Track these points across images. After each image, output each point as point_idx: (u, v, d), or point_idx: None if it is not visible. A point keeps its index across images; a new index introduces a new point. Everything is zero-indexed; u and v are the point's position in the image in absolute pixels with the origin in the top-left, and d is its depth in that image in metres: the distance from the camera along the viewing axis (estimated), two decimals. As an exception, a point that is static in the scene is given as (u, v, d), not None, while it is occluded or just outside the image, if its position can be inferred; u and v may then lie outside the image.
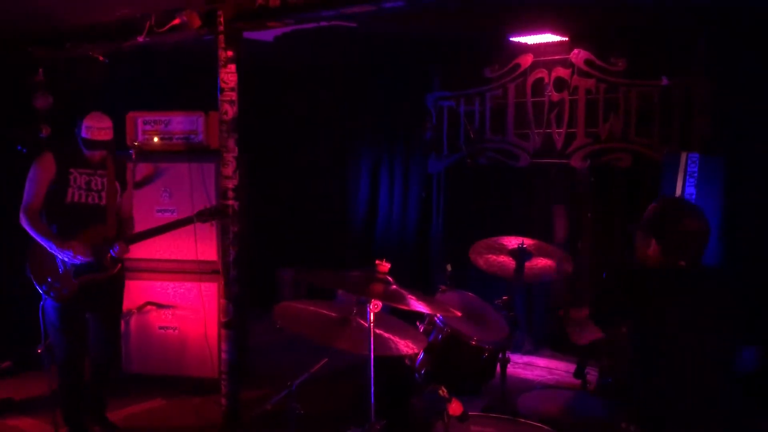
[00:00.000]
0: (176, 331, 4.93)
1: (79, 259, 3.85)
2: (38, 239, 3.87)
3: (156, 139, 4.96)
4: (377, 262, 2.68)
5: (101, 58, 5.13)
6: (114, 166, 4.08)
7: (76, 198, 3.94)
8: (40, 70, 5.31)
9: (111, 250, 3.95)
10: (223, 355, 4.43)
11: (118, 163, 4.12)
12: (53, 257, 3.89)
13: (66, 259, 3.86)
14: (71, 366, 4.01)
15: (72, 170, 3.95)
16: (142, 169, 4.86)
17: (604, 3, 4.44)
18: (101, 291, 4.02)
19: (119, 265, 4.08)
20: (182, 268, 4.89)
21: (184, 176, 4.87)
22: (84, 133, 3.90)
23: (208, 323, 4.82)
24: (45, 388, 4.95)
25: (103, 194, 4.01)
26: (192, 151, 4.91)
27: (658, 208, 2.76)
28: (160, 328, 4.97)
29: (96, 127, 3.90)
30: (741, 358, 2.67)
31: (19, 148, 5.26)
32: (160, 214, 4.90)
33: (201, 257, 4.79)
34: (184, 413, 4.34)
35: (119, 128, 4.87)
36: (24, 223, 3.88)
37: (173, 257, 4.85)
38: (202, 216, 4.17)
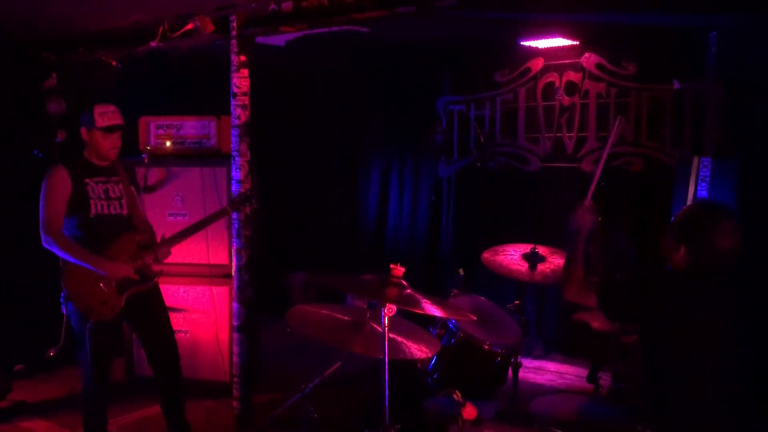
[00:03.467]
0: (188, 334, 4.94)
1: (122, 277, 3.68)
2: (71, 260, 3.62)
3: (168, 144, 4.98)
4: (392, 266, 2.65)
5: (114, 63, 5.16)
6: (125, 171, 3.94)
7: (99, 209, 3.76)
8: (54, 75, 5.35)
9: (150, 257, 3.82)
10: (235, 359, 4.46)
11: (128, 168, 4.00)
12: (91, 275, 3.65)
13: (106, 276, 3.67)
14: (98, 378, 3.72)
15: (87, 180, 3.76)
16: (154, 174, 4.88)
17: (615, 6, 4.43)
18: (143, 303, 3.86)
19: (161, 271, 3.94)
20: (194, 271, 4.91)
21: (196, 180, 4.89)
22: (100, 122, 3.73)
23: (220, 327, 4.85)
24: (57, 390, 5.03)
25: (123, 202, 3.85)
26: (204, 156, 4.94)
27: (694, 217, 2.65)
28: (172, 331, 4.98)
29: (110, 111, 3.77)
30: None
31: (35, 152, 5.30)
32: (172, 218, 4.92)
33: (213, 261, 4.83)
34: (197, 416, 4.34)
35: (132, 132, 4.92)
36: (50, 246, 3.63)
37: (185, 261, 4.85)
38: (234, 204, 4.17)
